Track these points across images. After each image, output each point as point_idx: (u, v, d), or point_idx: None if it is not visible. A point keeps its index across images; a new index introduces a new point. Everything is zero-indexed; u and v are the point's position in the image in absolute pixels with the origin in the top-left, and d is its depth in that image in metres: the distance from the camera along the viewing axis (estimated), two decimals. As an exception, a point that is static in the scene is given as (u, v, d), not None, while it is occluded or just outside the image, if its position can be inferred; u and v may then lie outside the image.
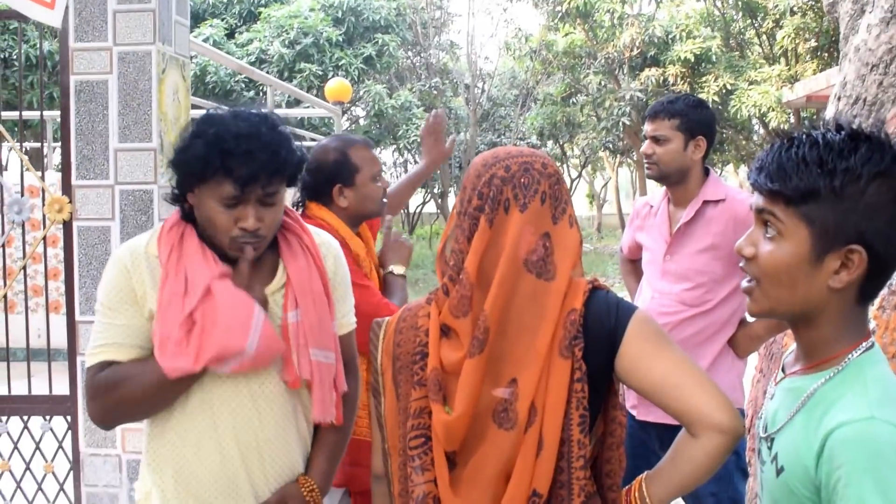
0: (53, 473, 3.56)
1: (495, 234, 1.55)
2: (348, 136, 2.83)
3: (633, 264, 3.30)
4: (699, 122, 2.85)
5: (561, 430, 1.49)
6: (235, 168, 1.76)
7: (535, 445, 1.49)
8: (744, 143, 19.32)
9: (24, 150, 3.48)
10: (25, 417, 3.55)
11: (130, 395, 1.82)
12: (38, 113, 3.73)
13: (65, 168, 3.40)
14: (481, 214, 1.56)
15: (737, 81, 16.70)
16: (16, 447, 3.59)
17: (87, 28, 3.28)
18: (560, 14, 19.10)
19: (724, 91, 16.72)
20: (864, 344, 1.32)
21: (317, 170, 2.67)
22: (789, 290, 1.32)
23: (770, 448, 1.39)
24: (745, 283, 1.40)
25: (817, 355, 1.35)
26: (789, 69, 16.43)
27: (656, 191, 3.18)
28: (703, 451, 1.48)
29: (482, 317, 1.52)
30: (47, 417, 3.51)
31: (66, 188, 3.38)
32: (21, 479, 3.63)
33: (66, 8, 3.28)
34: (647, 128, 2.91)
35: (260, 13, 16.14)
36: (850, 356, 1.31)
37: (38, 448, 3.54)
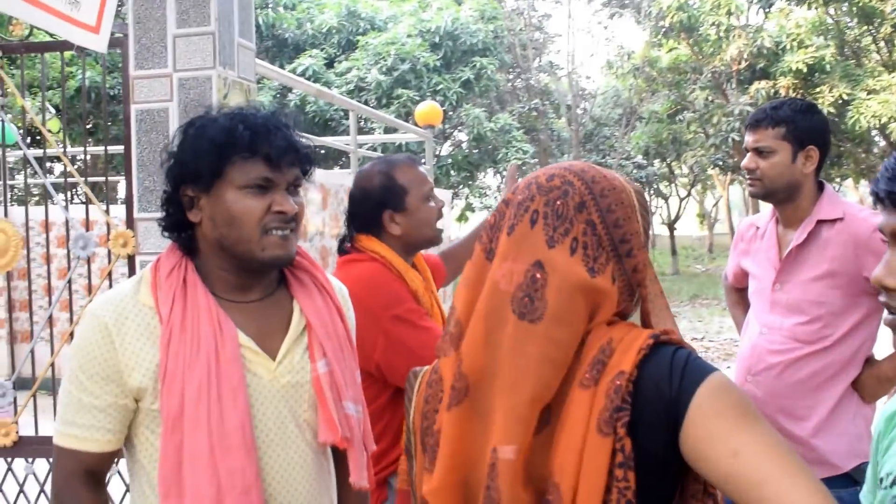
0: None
1: (491, 266, 1.26)
2: (392, 157, 2.54)
3: (740, 293, 2.92)
4: (809, 129, 2.45)
5: None
6: (265, 145, 1.55)
7: None
8: (863, 156, 18.29)
9: (88, 183, 3.38)
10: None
11: None
12: (112, 146, 3.65)
13: (128, 201, 3.28)
14: (479, 244, 1.29)
15: (854, 91, 15.80)
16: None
17: (148, 55, 3.16)
18: (664, 29, 18.56)
19: (840, 102, 15.85)
20: None
21: (362, 197, 2.42)
22: None
23: None
24: (888, 316, 1.11)
25: None
26: (911, 76, 15.48)
27: (765, 209, 2.80)
28: None
29: (458, 361, 1.23)
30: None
31: (130, 221, 3.26)
32: None
33: (126, 36, 3.18)
34: (749, 139, 2.53)
35: (358, 41, 16.25)
36: None
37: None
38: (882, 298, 1.11)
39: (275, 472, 1.59)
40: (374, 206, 2.39)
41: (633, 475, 1.13)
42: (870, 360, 2.46)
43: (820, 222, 2.45)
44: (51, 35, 3.14)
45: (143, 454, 1.60)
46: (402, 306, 2.26)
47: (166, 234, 1.67)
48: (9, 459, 3.53)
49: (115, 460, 2.83)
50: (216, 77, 3.11)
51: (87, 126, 11.98)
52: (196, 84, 3.12)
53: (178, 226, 1.64)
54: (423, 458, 1.28)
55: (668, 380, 1.16)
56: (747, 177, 2.55)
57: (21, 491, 3.58)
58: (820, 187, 2.53)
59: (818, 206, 2.47)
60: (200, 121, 1.62)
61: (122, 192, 12.17)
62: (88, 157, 6.05)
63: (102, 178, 3.08)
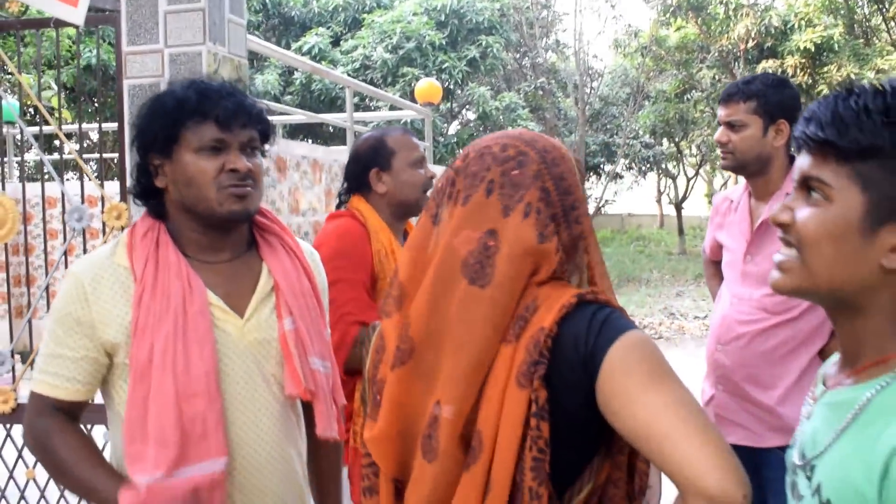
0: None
1: (438, 232, 1.32)
2: (388, 127, 2.72)
3: (717, 266, 2.98)
4: (780, 103, 2.50)
5: (513, 473, 1.20)
6: (214, 108, 1.66)
7: (479, 487, 1.21)
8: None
9: (88, 160, 3.45)
10: (89, 426, 3.52)
11: (65, 480, 1.70)
12: (106, 123, 3.72)
13: (121, 175, 3.35)
14: (426, 211, 1.36)
15: (862, 70, 15.73)
16: None
17: (140, 31, 3.22)
18: (672, 8, 18.50)
19: (848, 81, 15.76)
20: None
21: (355, 159, 2.60)
22: (832, 265, 1.06)
23: (810, 478, 1.11)
24: (777, 256, 1.14)
25: (866, 356, 1.08)
26: (921, 55, 15.39)
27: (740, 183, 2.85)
28: None
29: (405, 324, 1.29)
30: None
31: (123, 195, 3.33)
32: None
33: (119, 12, 3.24)
34: (721, 113, 2.59)
35: (364, 20, 16.25)
36: None
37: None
38: (779, 234, 1.15)
39: (241, 423, 1.68)
40: (363, 166, 2.55)
41: (547, 426, 1.19)
42: (835, 331, 2.51)
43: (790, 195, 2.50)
44: (38, 11, 3.20)
45: (119, 405, 1.69)
46: (333, 262, 2.35)
47: (137, 201, 1.77)
48: (8, 426, 3.63)
49: (87, 427, 2.91)
50: (206, 52, 3.16)
51: (84, 102, 12.06)
52: (187, 59, 3.18)
53: (147, 193, 1.74)
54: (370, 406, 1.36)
55: (584, 337, 1.22)
56: (720, 150, 2.60)
57: (20, 456, 3.67)
58: (791, 160, 2.58)
59: (788, 179, 2.52)
60: (161, 93, 1.72)
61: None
62: (91, 133, 6.11)
63: (96, 155, 3.15)
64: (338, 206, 2.67)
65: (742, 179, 2.69)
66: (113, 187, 3.81)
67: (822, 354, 2.49)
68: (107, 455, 1.77)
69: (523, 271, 1.26)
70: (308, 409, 1.83)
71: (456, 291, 1.26)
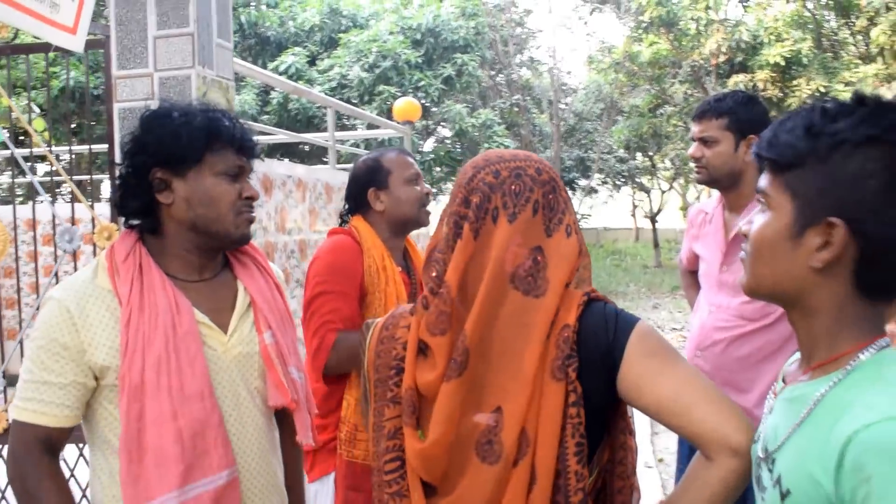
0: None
1: (480, 246, 1.41)
2: (384, 148, 2.84)
3: (693, 276, 3.09)
4: (750, 119, 2.62)
5: (556, 461, 1.33)
6: (236, 137, 1.76)
7: (526, 480, 1.33)
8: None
9: (73, 181, 3.51)
10: (81, 445, 3.57)
11: None
12: (96, 145, 3.79)
13: (112, 196, 3.41)
14: (465, 223, 1.42)
15: (831, 83, 16.02)
16: (72, 474, 3.60)
17: (129, 55, 3.30)
18: (644, 24, 18.76)
19: (817, 94, 16.06)
20: (878, 342, 1.13)
21: (354, 180, 2.72)
22: (770, 267, 1.19)
23: (771, 470, 1.19)
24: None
25: (819, 353, 1.18)
26: (886, 68, 15.68)
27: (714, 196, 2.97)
28: (719, 477, 1.31)
29: (462, 337, 1.37)
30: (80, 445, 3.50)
31: (114, 216, 3.39)
32: None
33: (109, 37, 3.31)
34: (694, 129, 2.71)
35: (340, 39, 16.36)
36: (860, 355, 1.13)
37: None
38: (744, 245, 1.27)
39: (232, 436, 1.74)
40: (361, 186, 2.68)
41: (584, 412, 1.35)
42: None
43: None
44: (35, 37, 3.27)
45: (104, 426, 1.70)
46: (322, 275, 2.51)
47: (129, 218, 1.79)
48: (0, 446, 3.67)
49: (80, 447, 2.96)
50: (195, 76, 3.25)
51: (72, 126, 12.06)
52: (176, 83, 3.26)
53: (143, 209, 1.77)
54: (392, 409, 1.44)
55: (604, 329, 1.39)
56: (694, 165, 2.72)
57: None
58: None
59: (760, 192, 2.64)
60: (167, 113, 1.76)
61: (105, 192, 12.26)
62: (73, 155, 6.18)
63: (87, 177, 3.19)
64: (340, 225, 2.79)
65: (716, 192, 2.81)
66: (101, 208, 3.86)
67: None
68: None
69: (566, 281, 1.42)
70: (277, 419, 1.93)
71: (507, 303, 1.38)
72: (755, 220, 1.23)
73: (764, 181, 1.20)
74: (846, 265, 1.12)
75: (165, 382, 1.64)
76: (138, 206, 1.77)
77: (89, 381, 1.69)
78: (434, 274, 1.43)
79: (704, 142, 2.66)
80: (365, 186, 2.68)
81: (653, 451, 6.30)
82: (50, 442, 1.69)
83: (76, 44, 3.02)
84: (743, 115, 2.62)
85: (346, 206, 2.78)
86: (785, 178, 1.16)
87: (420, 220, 2.73)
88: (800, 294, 1.17)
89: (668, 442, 6.29)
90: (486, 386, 1.37)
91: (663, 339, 1.42)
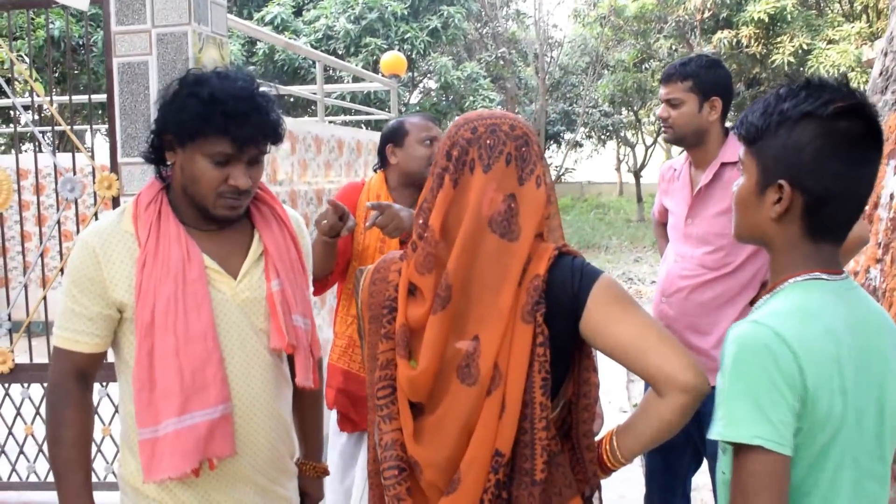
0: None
1: (459, 194, 1.59)
2: (412, 113, 3.20)
3: (665, 228, 3.30)
4: (713, 82, 2.81)
5: (523, 392, 1.53)
6: (234, 129, 1.80)
7: (498, 407, 1.53)
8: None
9: (73, 131, 3.64)
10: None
11: (53, 452, 1.90)
12: (86, 96, 3.91)
13: (112, 147, 3.56)
14: (446, 174, 1.61)
15: (814, 41, 16.12)
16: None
17: (128, 12, 3.42)
18: (630, -22, 18.75)
19: (800, 51, 16.17)
20: (809, 274, 1.43)
21: (382, 139, 3.08)
22: (744, 219, 1.51)
23: None
24: None
25: (773, 282, 1.48)
26: (870, 26, 15.79)
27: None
28: (670, 409, 1.52)
29: (445, 274, 1.56)
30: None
31: (114, 166, 3.55)
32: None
33: (107, -7, 3.43)
34: (662, 91, 2.90)
35: (326, -11, 16.29)
36: (789, 281, 1.44)
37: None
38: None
39: (236, 373, 1.92)
40: (384, 143, 3.06)
41: (550, 351, 1.55)
42: (765, 284, 2.85)
43: (724, 164, 2.82)
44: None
45: (127, 354, 1.93)
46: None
47: (150, 164, 1.97)
48: (6, 385, 3.86)
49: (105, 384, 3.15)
50: (191, 32, 3.38)
51: (56, 75, 12.02)
52: (173, 39, 3.40)
53: (158, 159, 1.95)
54: (385, 343, 1.64)
55: (570, 280, 1.60)
56: (661, 124, 2.92)
57: (18, 414, 3.91)
58: (726, 133, 2.89)
59: (723, 150, 2.84)
60: (195, 82, 1.86)
61: (87, 141, 12.30)
62: (57, 106, 6.27)
63: (69, 127, 3.32)
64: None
65: (674, 151, 3.00)
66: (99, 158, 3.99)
67: (753, 304, 2.82)
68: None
69: (537, 230, 1.61)
70: (291, 360, 2.08)
71: (485, 244, 1.57)
72: (740, 181, 1.52)
73: (741, 152, 1.51)
74: (796, 214, 1.43)
75: (172, 323, 1.83)
76: (156, 158, 1.94)
77: (114, 313, 1.89)
78: (421, 221, 1.62)
79: (671, 103, 2.85)
80: (385, 143, 3.04)
81: (628, 398, 6.57)
82: (82, 370, 1.92)
83: (81, 2, 3.14)
84: (706, 77, 2.81)
85: (377, 162, 3.13)
86: (752, 149, 1.48)
87: (426, 177, 2.93)
88: (766, 238, 1.48)
89: (643, 388, 6.56)
90: (467, 317, 1.57)
91: (623, 290, 1.62)
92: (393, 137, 3.03)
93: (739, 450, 1.32)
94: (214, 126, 1.80)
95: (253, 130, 1.84)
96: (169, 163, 1.93)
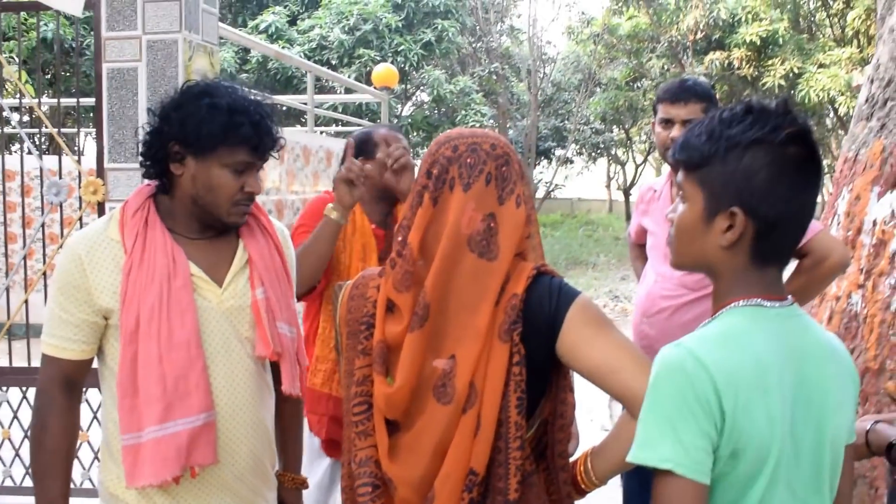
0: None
1: (438, 212, 1.59)
2: (378, 125, 3.15)
3: (641, 249, 3.31)
4: (717, 104, 2.83)
5: (499, 411, 1.53)
6: (255, 137, 1.86)
7: (473, 426, 1.53)
8: (815, 128, 18.78)
9: (61, 135, 3.65)
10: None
11: (36, 457, 1.91)
12: (74, 99, 3.90)
13: (98, 152, 3.56)
14: (426, 192, 1.60)
15: (805, 65, 16.27)
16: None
17: (119, 18, 3.43)
18: (624, -3, 18.89)
19: (791, 75, 16.31)
20: (749, 300, 1.40)
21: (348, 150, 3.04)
22: (689, 247, 1.45)
23: None
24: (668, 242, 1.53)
25: (714, 308, 1.45)
26: (861, 52, 15.94)
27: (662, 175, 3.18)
28: None
29: (423, 292, 1.56)
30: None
31: (100, 171, 3.54)
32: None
33: (99, -1, 3.44)
34: (679, 112, 2.83)
35: (321, 0, 16.34)
36: (729, 306, 1.41)
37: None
38: (670, 229, 1.51)
39: (220, 380, 1.93)
40: (354, 155, 2.93)
41: (526, 371, 1.55)
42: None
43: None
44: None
45: (111, 360, 1.93)
46: (297, 219, 2.92)
47: (145, 176, 1.97)
48: (-15, 388, 3.85)
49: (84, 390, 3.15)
50: (182, 40, 3.39)
51: (48, 77, 12.01)
52: (163, 46, 3.40)
53: (158, 172, 1.94)
54: (362, 359, 1.64)
55: (547, 300, 1.59)
56: (665, 144, 2.85)
57: (-6, 417, 3.90)
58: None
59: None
60: (204, 93, 1.88)
61: (80, 144, 12.25)
62: (47, 109, 6.26)
63: (57, 130, 3.31)
64: None
65: (665, 170, 3.01)
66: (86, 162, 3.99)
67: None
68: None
69: (516, 249, 1.61)
70: (276, 372, 2.09)
71: (463, 263, 1.57)
72: (677, 209, 1.47)
73: (680, 177, 1.45)
74: (746, 241, 1.39)
75: (156, 330, 1.83)
76: (155, 168, 1.94)
77: (99, 320, 1.89)
78: (400, 238, 1.62)
79: (686, 124, 2.80)
80: (355, 156, 2.92)
81: (610, 416, 6.57)
82: (69, 377, 1.92)
83: (75, 7, 3.15)
84: (714, 99, 2.84)
85: None
86: (695, 175, 1.41)
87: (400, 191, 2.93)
88: (711, 265, 1.44)
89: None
90: (444, 336, 1.57)
91: (600, 312, 1.62)
92: (363, 150, 2.93)
93: (655, 473, 1.31)
94: (241, 136, 1.84)
95: (268, 138, 1.90)
96: (177, 173, 1.91)
